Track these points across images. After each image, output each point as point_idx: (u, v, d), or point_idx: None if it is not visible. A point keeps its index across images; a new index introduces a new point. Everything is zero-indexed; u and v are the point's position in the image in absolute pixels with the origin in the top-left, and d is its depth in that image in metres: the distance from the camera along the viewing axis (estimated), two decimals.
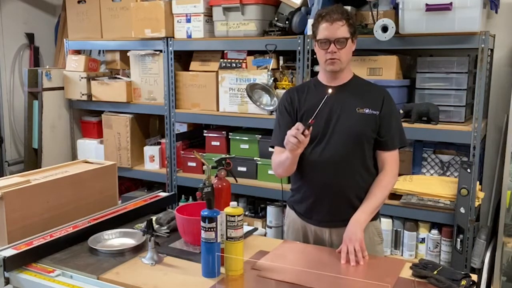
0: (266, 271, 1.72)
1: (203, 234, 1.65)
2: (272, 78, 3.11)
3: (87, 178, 2.32)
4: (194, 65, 3.48)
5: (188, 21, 3.35)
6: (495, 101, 3.09)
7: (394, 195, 2.75)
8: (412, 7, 2.58)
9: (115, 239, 2.01)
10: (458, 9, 2.49)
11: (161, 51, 3.49)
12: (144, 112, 3.71)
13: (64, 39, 4.07)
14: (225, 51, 3.36)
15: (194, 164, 3.52)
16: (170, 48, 3.44)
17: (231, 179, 1.94)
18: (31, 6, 4.49)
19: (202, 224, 1.64)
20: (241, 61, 3.27)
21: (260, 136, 3.24)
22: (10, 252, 1.79)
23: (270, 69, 3.11)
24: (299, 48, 2.98)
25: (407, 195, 2.76)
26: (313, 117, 1.75)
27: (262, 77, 3.11)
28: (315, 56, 2.00)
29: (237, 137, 3.34)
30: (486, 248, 2.70)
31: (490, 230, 2.91)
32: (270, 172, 3.18)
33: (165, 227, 2.06)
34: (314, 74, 2.76)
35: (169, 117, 3.52)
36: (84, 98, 3.82)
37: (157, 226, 2.05)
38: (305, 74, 2.98)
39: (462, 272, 1.70)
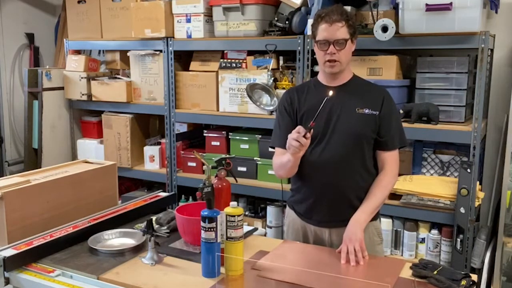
0: (266, 271, 1.72)
1: (203, 234, 1.65)
2: (272, 78, 3.11)
3: (87, 178, 2.32)
4: (194, 65, 3.48)
5: (188, 21, 3.35)
6: (495, 101, 3.09)
7: (394, 195, 2.75)
8: (412, 7, 2.58)
9: (115, 239, 2.01)
10: (458, 9, 2.49)
11: (161, 51, 3.49)
12: (144, 112, 3.71)
13: (64, 39, 4.07)
14: (225, 51, 3.36)
15: (194, 164, 3.52)
16: (170, 48, 3.44)
17: (231, 179, 1.94)
18: (31, 6, 4.49)
19: (202, 224, 1.64)
20: (241, 61, 3.27)
21: (260, 136, 3.24)
22: (10, 252, 1.79)
23: (270, 69, 3.11)
24: (299, 48, 2.98)
25: (407, 195, 2.76)
26: (313, 120, 1.75)
27: (262, 77, 3.11)
28: (315, 56, 2.00)
29: (237, 137, 3.34)
30: (486, 248, 2.70)
31: (490, 230, 2.92)
32: (270, 172, 3.18)
33: (165, 227, 2.06)
34: (314, 74, 2.76)
35: (169, 117, 3.52)
36: (84, 98, 3.82)
37: (157, 226, 2.05)
38: (305, 74, 2.98)
39: (462, 272, 1.70)
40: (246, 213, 3.35)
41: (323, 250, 1.95)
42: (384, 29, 2.63)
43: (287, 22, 3.05)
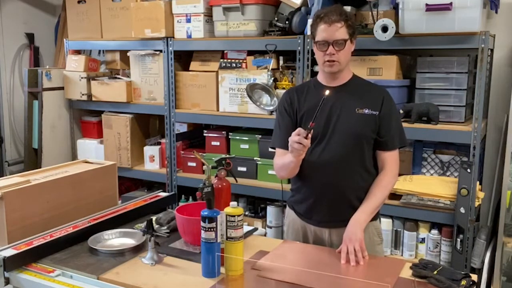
0: (266, 271, 1.72)
1: (203, 234, 1.65)
2: (272, 78, 3.11)
3: (87, 178, 2.32)
4: (194, 65, 3.48)
5: (188, 21, 3.35)
6: (495, 101, 3.09)
7: (394, 195, 2.75)
8: (412, 7, 2.58)
9: (115, 239, 2.01)
10: (458, 9, 2.49)
11: (161, 51, 3.49)
12: (144, 112, 3.71)
13: (64, 39, 4.07)
14: (225, 51, 3.36)
15: (194, 164, 3.52)
16: (170, 48, 3.44)
17: (231, 179, 1.94)
18: (31, 6, 4.49)
19: (202, 224, 1.64)
20: (241, 61, 3.27)
21: (260, 136, 3.24)
22: (10, 252, 1.79)
23: (270, 69, 3.11)
24: (299, 48, 2.98)
25: (407, 195, 2.76)
26: (312, 120, 1.75)
27: (262, 77, 3.11)
28: (315, 56, 2.00)
29: (237, 137, 3.34)
30: (486, 248, 2.70)
31: (490, 230, 2.92)
32: (270, 172, 3.18)
33: (165, 227, 2.06)
34: (314, 74, 2.76)
35: (169, 117, 3.52)
36: (84, 98, 3.82)
37: (157, 226, 2.05)
38: (305, 74, 2.98)
39: (462, 272, 1.70)
40: (246, 213, 3.35)
41: (323, 250, 1.95)
42: (384, 29, 2.63)
43: (287, 22, 3.05)
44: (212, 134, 3.43)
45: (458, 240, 2.62)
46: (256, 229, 2.23)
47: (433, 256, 2.77)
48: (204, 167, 1.94)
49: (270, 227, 3.21)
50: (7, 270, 1.75)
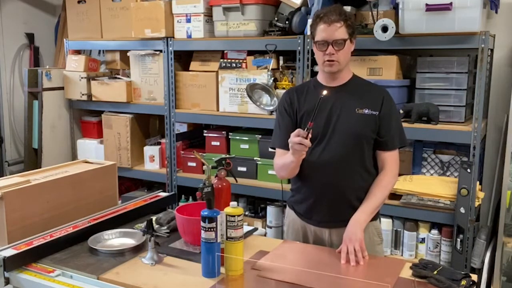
0: (266, 271, 1.72)
1: (203, 234, 1.65)
2: (272, 78, 3.11)
3: (87, 178, 2.32)
4: (194, 65, 3.48)
5: (188, 21, 3.35)
6: (495, 101, 3.09)
7: (394, 195, 2.75)
8: (412, 7, 2.58)
9: (115, 239, 2.01)
10: (458, 9, 2.49)
11: (161, 51, 3.49)
12: (144, 112, 3.71)
13: (64, 39, 4.07)
14: (225, 51, 3.36)
15: (194, 164, 3.52)
16: (170, 48, 3.44)
17: (231, 179, 1.94)
18: (31, 6, 4.49)
19: (202, 224, 1.64)
20: (241, 61, 3.27)
21: (260, 136, 3.24)
22: (10, 252, 1.79)
23: (270, 69, 3.11)
24: (299, 48, 2.98)
25: (407, 195, 2.76)
26: (311, 120, 1.75)
27: (262, 77, 3.11)
28: (315, 56, 2.00)
29: (237, 137, 3.34)
30: (486, 248, 2.70)
31: (490, 230, 2.92)
32: (270, 172, 3.18)
33: (165, 227, 2.06)
34: (314, 74, 2.76)
35: (169, 117, 3.52)
36: (84, 98, 3.82)
37: (157, 226, 2.05)
38: (305, 74, 2.98)
39: (462, 272, 1.70)
40: (246, 213, 3.35)
41: (323, 250, 1.95)
42: (384, 29, 2.63)
43: (287, 22, 3.05)
44: (212, 134, 3.43)
45: (458, 240, 2.62)
46: (256, 229, 2.23)
47: (433, 256, 2.77)
48: (204, 167, 1.94)
49: (270, 227, 3.21)
50: (7, 270, 1.75)
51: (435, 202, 2.69)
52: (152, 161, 3.67)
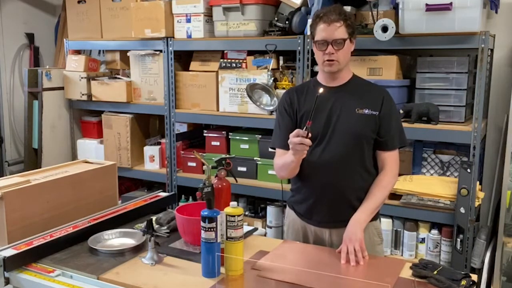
0: (266, 271, 1.72)
1: (203, 234, 1.65)
2: (272, 78, 3.11)
3: (87, 178, 2.32)
4: (194, 65, 3.48)
5: (188, 21, 3.35)
6: (495, 101, 3.09)
7: (394, 195, 2.75)
8: (412, 7, 2.58)
9: (115, 239, 2.01)
10: (458, 9, 2.49)
11: (161, 51, 3.49)
12: (144, 112, 3.71)
13: (64, 39, 4.07)
14: (225, 51, 3.36)
15: (194, 164, 3.52)
16: (170, 48, 3.44)
17: (231, 179, 1.94)
18: (31, 6, 4.49)
19: (202, 224, 1.64)
20: (241, 61, 3.27)
21: (260, 136, 3.24)
22: (10, 252, 1.79)
23: (270, 69, 3.11)
24: (299, 48, 2.98)
25: (407, 195, 2.76)
26: (309, 118, 1.75)
27: (262, 77, 3.11)
28: (314, 56, 2.00)
29: (237, 137, 3.34)
30: (486, 248, 2.70)
31: (490, 230, 2.91)
32: (270, 172, 3.18)
33: (165, 227, 2.06)
34: (314, 74, 2.76)
35: (169, 117, 3.52)
36: (84, 98, 3.82)
37: (157, 226, 2.05)
38: (305, 74, 2.98)
39: (462, 272, 1.70)
40: (246, 213, 3.35)
41: (323, 250, 1.95)
42: (384, 29, 2.63)
43: (287, 22, 3.05)
44: (212, 134, 3.43)
45: (458, 240, 2.62)
46: (256, 229, 2.23)
47: (433, 256, 2.77)
48: (204, 167, 1.94)
49: (270, 227, 3.21)
50: (7, 270, 1.75)
51: (435, 202, 2.69)
52: (152, 161, 3.67)
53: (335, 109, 1.96)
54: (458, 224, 2.61)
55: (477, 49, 2.53)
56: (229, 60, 3.31)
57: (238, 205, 1.69)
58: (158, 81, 3.56)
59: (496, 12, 2.77)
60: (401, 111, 2.72)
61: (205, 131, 3.47)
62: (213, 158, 1.99)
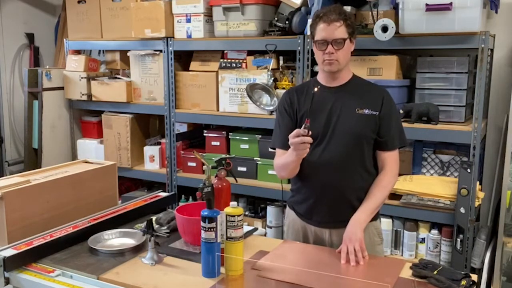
0: (266, 271, 1.72)
1: (203, 234, 1.65)
2: (272, 78, 3.11)
3: (87, 178, 2.32)
4: (194, 65, 3.48)
5: (188, 21, 3.35)
6: (495, 101, 3.09)
7: (394, 195, 2.75)
8: (412, 7, 2.58)
9: (115, 239, 2.01)
10: (458, 9, 2.49)
11: (161, 51, 3.49)
12: (144, 112, 3.71)
13: (64, 39, 4.07)
14: (225, 51, 3.36)
15: (194, 164, 3.52)
16: (170, 48, 3.44)
17: (231, 179, 1.94)
18: (31, 6, 4.49)
19: (202, 224, 1.64)
20: (241, 61, 3.27)
21: (260, 136, 3.24)
22: (10, 252, 1.79)
23: (270, 69, 3.11)
24: (299, 48, 2.98)
25: (407, 195, 2.76)
26: (307, 116, 1.75)
27: (262, 77, 3.11)
28: (315, 56, 2.00)
29: (237, 137, 3.34)
30: (486, 248, 2.70)
31: (490, 230, 2.91)
32: (270, 172, 3.18)
33: (165, 227, 2.06)
34: (314, 74, 2.76)
35: (169, 117, 3.52)
36: (84, 98, 3.82)
37: (157, 226, 2.05)
38: (305, 74, 2.98)
39: (462, 272, 1.70)
40: (246, 213, 3.35)
41: (323, 250, 1.95)
42: (384, 29, 2.63)
43: (287, 22, 3.05)
44: (212, 134, 3.43)
45: (458, 240, 2.62)
46: (256, 229, 2.23)
47: (433, 256, 2.77)
48: (204, 167, 1.94)
49: (270, 227, 3.21)
50: (7, 270, 1.75)
51: (435, 202, 2.69)
52: (152, 161, 3.67)
53: (335, 109, 1.96)
54: (458, 224, 2.61)
55: (477, 49, 2.53)
56: (229, 60, 3.31)
57: (238, 205, 1.69)
58: (158, 81, 3.56)
59: (496, 12, 2.77)
60: (401, 111, 2.72)
61: (205, 131, 3.47)
62: (213, 158, 1.99)
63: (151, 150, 3.67)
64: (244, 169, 3.29)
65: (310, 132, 1.75)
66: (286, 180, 2.91)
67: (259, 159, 3.25)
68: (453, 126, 2.68)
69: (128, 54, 3.65)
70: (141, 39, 3.54)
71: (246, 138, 3.31)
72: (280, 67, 3.18)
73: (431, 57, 2.83)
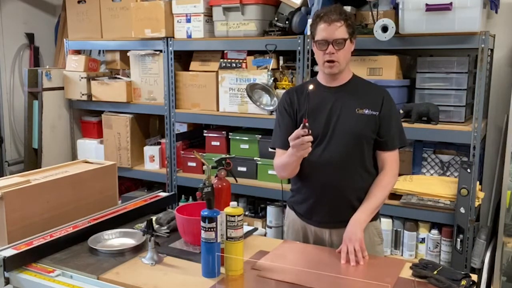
0: (266, 271, 1.72)
1: (203, 234, 1.65)
2: (272, 78, 3.11)
3: (87, 178, 2.32)
4: (194, 65, 3.48)
5: (188, 21, 3.35)
6: (495, 101, 3.09)
7: (394, 195, 2.75)
8: (412, 7, 2.58)
9: (115, 239, 2.01)
10: (458, 9, 2.49)
11: (161, 51, 3.49)
12: (144, 112, 3.71)
13: (64, 39, 4.07)
14: (225, 51, 3.36)
15: (194, 164, 3.52)
16: (170, 48, 3.44)
17: (231, 179, 1.94)
18: (31, 6, 4.49)
19: (202, 224, 1.64)
20: (241, 61, 3.27)
21: (260, 136, 3.24)
22: (10, 252, 1.79)
23: (270, 69, 3.11)
24: (299, 48, 2.98)
25: (407, 195, 2.76)
26: (304, 116, 1.75)
27: (262, 77, 3.11)
28: (314, 56, 2.00)
29: (237, 137, 3.34)
30: (486, 248, 2.70)
31: (490, 230, 2.91)
32: (270, 172, 3.18)
33: (165, 227, 2.06)
34: (314, 74, 2.76)
35: (169, 117, 3.52)
36: (84, 98, 3.82)
37: (157, 226, 2.05)
38: (305, 74, 2.98)
39: (462, 272, 1.70)
40: (246, 213, 3.35)
41: (323, 250, 1.95)
42: (384, 29, 2.63)
43: (287, 22, 3.05)
44: (212, 134, 3.43)
45: (458, 240, 2.62)
46: (256, 229, 2.23)
47: (433, 256, 2.77)
48: (204, 167, 1.94)
49: (270, 227, 3.21)
50: (7, 270, 1.75)
51: (435, 202, 2.69)
52: (152, 161, 3.67)
53: (335, 109, 1.96)
54: (458, 224, 2.61)
55: (477, 49, 2.53)
56: (229, 60, 3.31)
57: (238, 205, 1.69)
58: (158, 81, 3.56)
59: (496, 12, 2.77)
60: (401, 111, 2.72)
61: (205, 131, 3.47)
62: (213, 158, 1.99)
63: (151, 150, 3.67)
64: (244, 169, 3.29)
65: (310, 131, 1.75)
66: (286, 180, 2.90)
67: (259, 159, 3.25)
68: (453, 126, 2.68)
69: (128, 54, 3.65)
70: (141, 39, 3.54)
71: (246, 138, 3.31)
72: (280, 67, 3.18)
73: (431, 57, 2.83)
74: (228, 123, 3.35)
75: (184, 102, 3.48)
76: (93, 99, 3.81)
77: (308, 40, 2.91)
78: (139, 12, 3.45)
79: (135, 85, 3.68)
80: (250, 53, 3.24)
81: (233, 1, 3.13)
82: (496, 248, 2.78)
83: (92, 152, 3.89)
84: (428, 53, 2.94)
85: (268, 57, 3.12)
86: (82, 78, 3.81)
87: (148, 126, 3.91)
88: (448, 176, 2.89)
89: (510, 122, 2.73)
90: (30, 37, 4.46)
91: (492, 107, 3.10)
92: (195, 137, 3.72)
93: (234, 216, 1.65)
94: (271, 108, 3.11)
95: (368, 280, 1.64)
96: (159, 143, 3.74)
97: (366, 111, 1.95)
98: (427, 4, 2.53)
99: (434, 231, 2.77)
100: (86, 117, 4.09)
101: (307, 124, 1.73)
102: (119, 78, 3.83)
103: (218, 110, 3.35)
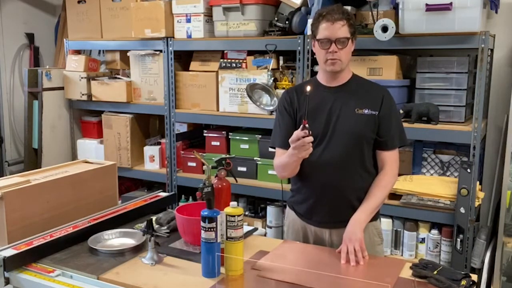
0: (266, 271, 1.72)
1: (203, 234, 1.65)
2: (272, 78, 3.11)
3: (87, 178, 2.32)
4: (194, 65, 3.48)
5: (188, 21, 3.35)
6: (495, 101, 3.09)
7: (394, 195, 2.75)
8: (412, 7, 2.58)
9: (115, 239, 2.01)
10: (458, 9, 2.49)
11: (161, 51, 3.49)
12: (144, 112, 3.71)
13: (64, 39, 4.07)
14: (225, 51, 3.36)
15: (194, 164, 3.52)
16: (170, 48, 3.44)
17: (231, 179, 1.94)
18: (31, 6, 4.49)
19: (202, 224, 1.64)
20: (241, 61, 3.27)
21: (260, 136, 3.24)
22: (10, 252, 1.79)
23: (270, 69, 3.11)
24: (299, 48, 2.98)
25: (407, 195, 2.76)
26: (304, 117, 1.75)
27: (262, 77, 3.11)
28: (315, 56, 2.00)
29: (237, 137, 3.34)
30: (486, 248, 2.70)
31: (490, 230, 2.91)
32: (270, 172, 3.18)
33: (165, 227, 2.06)
34: (314, 74, 2.76)
35: (169, 117, 3.52)
36: (84, 98, 3.82)
37: (157, 226, 2.05)
38: (305, 74, 2.98)
39: (462, 272, 1.70)
40: (246, 213, 3.35)
41: (323, 250, 1.95)
42: (384, 29, 2.63)
43: (287, 22, 3.05)
44: (212, 134, 3.43)
45: (458, 240, 2.62)
46: (256, 229, 2.23)
47: (433, 256, 2.77)
48: (204, 167, 1.94)
49: (270, 227, 3.21)
50: (7, 270, 1.75)
51: (435, 202, 2.69)
52: (152, 161, 3.67)
53: (335, 109, 1.96)
54: (458, 224, 2.61)
55: (477, 49, 2.53)
56: (229, 60, 3.31)
57: (238, 205, 1.69)
58: (158, 81, 3.56)
59: (496, 12, 2.77)
60: (401, 111, 2.72)
61: (205, 131, 3.47)
62: (213, 158, 1.99)
63: (151, 150, 3.67)
64: (244, 169, 3.29)
65: (310, 132, 1.74)
66: (286, 180, 2.90)
67: (259, 159, 3.25)
68: (453, 126, 2.68)
69: (128, 54, 3.65)
70: (141, 39, 3.54)
71: (246, 138, 3.31)
72: (280, 67, 3.18)
73: (431, 57, 2.83)
74: (228, 123, 3.35)
75: (184, 102, 3.48)
76: (93, 99, 3.81)
77: (308, 40, 2.91)
78: (139, 12, 3.46)
79: (135, 85, 3.68)
80: (250, 53, 3.24)
81: (233, 1, 3.13)
82: (496, 248, 2.78)
83: (92, 152, 3.89)
84: (428, 53, 2.94)
85: (268, 57, 3.12)
86: (82, 78, 3.81)
87: (148, 126, 3.91)
88: (448, 176, 2.89)
89: (510, 122, 2.73)
90: (30, 37, 4.46)
91: (492, 107, 3.10)
92: (195, 137, 3.72)
93: (234, 216, 1.65)
94: (271, 108, 3.11)
95: (368, 280, 1.64)
96: (159, 143, 3.74)
97: (366, 111, 1.95)
98: (427, 4, 2.53)
99: (434, 231, 2.77)
100: (86, 117, 4.09)
101: (307, 125, 1.74)
102: (119, 78, 3.83)
103: (218, 110, 3.35)
